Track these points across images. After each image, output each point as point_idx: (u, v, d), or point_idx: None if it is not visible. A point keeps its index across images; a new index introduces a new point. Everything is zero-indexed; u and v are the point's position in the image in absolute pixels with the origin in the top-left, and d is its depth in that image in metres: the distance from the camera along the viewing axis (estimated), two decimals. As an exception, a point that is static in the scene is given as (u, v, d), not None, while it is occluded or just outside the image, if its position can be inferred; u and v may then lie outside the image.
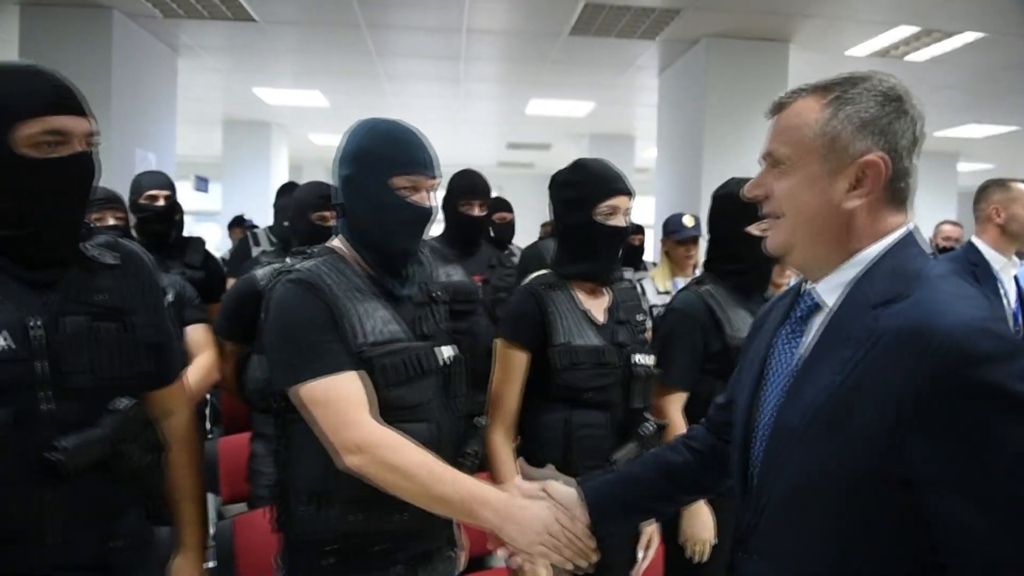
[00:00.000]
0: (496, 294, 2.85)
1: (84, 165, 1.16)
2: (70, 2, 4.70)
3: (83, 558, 1.17)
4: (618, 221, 1.78)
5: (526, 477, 1.37)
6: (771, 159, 1.04)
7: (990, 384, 0.81)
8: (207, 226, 11.37)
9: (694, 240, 3.42)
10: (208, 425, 3.49)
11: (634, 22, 4.87)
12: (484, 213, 2.84)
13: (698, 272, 3.43)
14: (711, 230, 2.16)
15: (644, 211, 4.84)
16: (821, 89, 1.00)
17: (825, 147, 0.98)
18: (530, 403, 1.77)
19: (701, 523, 1.92)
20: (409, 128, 1.43)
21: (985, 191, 2.92)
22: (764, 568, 1.00)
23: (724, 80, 5.16)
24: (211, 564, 1.62)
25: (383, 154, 1.38)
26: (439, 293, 1.52)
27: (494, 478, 1.72)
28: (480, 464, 1.44)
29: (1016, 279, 2.88)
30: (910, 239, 0.99)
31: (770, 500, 0.99)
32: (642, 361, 1.81)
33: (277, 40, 5.58)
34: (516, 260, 3.29)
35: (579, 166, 1.83)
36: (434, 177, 1.42)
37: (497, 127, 9.02)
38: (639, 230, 4.32)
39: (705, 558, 1.94)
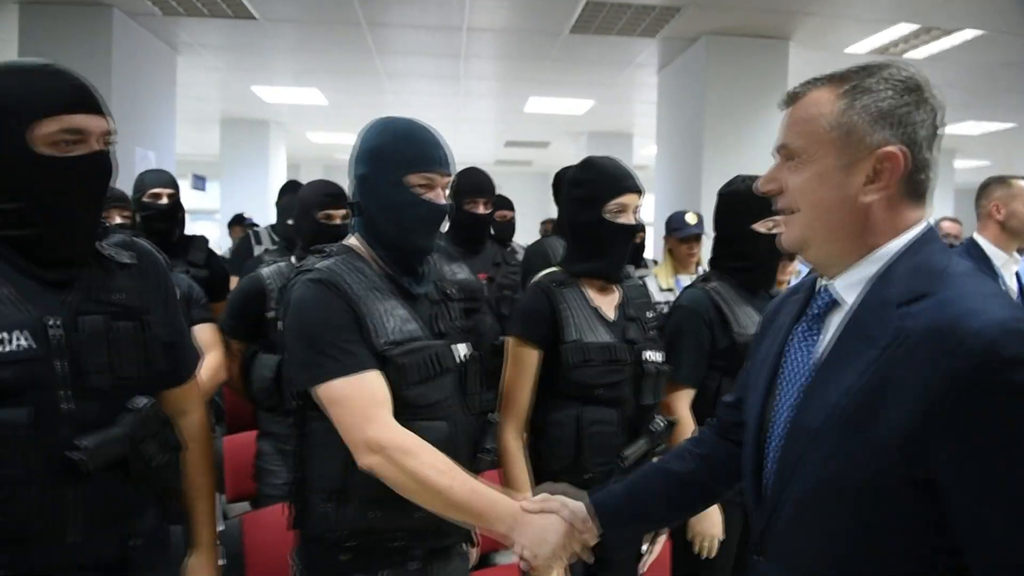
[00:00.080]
0: (501, 292, 2.85)
1: (101, 164, 1.16)
2: (70, 0, 4.68)
3: (103, 557, 1.18)
4: (627, 219, 1.79)
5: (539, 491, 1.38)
6: (784, 152, 1.01)
7: (1022, 386, 0.79)
8: (204, 224, 11.35)
9: (697, 238, 3.43)
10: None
11: (635, 20, 4.87)
12: (489, 211, 2.85)
13: (701, 270, 3.45)
14: (717, 228, 2.17)
15: (644, 208, 4.85)
16: (836, 79, 0.97)
17: (841, 139, 0.95)
18: (541, 400, 1.78)
19: (709, 519, 1.93)
20: (424, 126, 1.44)
21: (986, 188, 2.93)
22: (778, 570, 0.99)
23: (724, 78, 5.17)
24: (221, 562, 1.63)
25: (398, 152, 1.39)
26: (453, 291, 1.53)
27: (506, 475, 1.74)
28: (493, 461, 1.45)
29: (1017, 275, 2.90)
30: (931, 234, 0.97)
31: (785, 502, 0.97)
32: (652, 358, 1.82)
33: (277, 38, 5.57)
34: (519, 258, 3.29)
35: (589, 164, 1.84)
36: (449, 175, 1.42)
37: (496, 125, 9.03)
38: (639, 228, 4.32)
39: (713, 554, 1.95)
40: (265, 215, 7.89)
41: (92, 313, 1.17)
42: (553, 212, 10.99)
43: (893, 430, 0.85)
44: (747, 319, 2.01)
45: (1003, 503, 0.81)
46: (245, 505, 2.76)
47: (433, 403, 1.36)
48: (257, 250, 3.97)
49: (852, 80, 0.96)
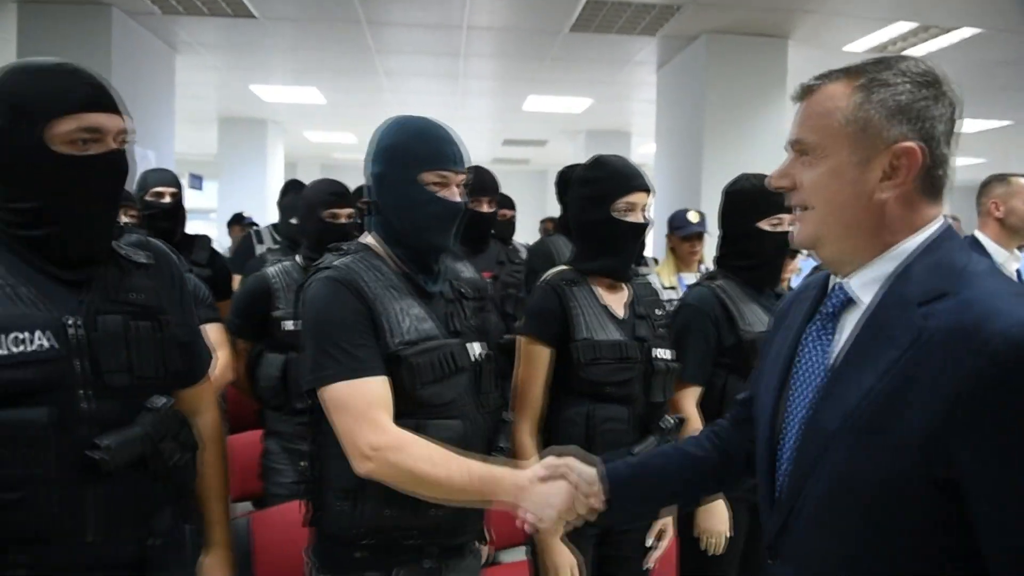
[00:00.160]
0: (505, 290, 2.86)
1: (118, 162, 1.16)
2: (69, -1, 4.69)
3: (122, 556, 1.18)
4: (637, 217, 1.80)
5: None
6: (798, 147, 0.99)
7: None
8: (199, 224, 11.34)
9: (699, 236, 3.44)
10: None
11: (635, 18, 4.88)
12: (493, 210, 2.86)
13: (703, 268, 3.47)
14: (722, 226, 2.17)
15: (645, 207, 4.86)
16: (852, 72, 0.95)
17: (856, 134, 0.93)
18: (552, 398, 1.79)
19: (716, 516, 1.94)
20: (438, 124, 1.44)
21: (987, 186, 2.95)
22: (793, 573, 0.98)
23: (724, 76, 5.18)
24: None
25: (413, 150, 1.39)
26: (467, 290, 1.53)
27: None
28: (507, 460, 1.45)
29: (1019, 272, 2.91)
30: (949, 232, 0.95)
31: (801, 503, 0.96)
32: (662, 355, 1.83)
33: (276, 37, 5.56)
34: (522, 257, 3.30)
35: (598, 162, 1.85)
36: (463, 172, 1.43)
37: (494, 124, 9.03)
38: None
39: (720, 551, 1.96)
40: (263, 214, 7.89)
41: (110, 313, 1.17)
42: (551, 211, 10.98)
43: (915, 431, 0.84)
44: (753, 317, 2.02)
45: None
46: (247, 505, 2.77)
47: (448, 402, 1.37)
48: (259, 249, 3.97)
49: (868, 73, 0.94)
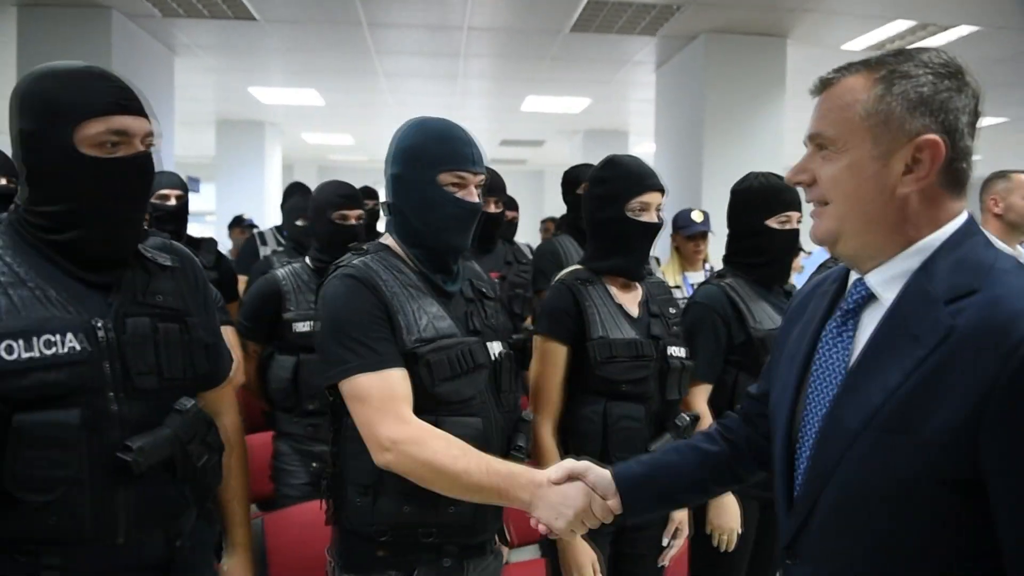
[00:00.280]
0: (513, 291, 2.87)
1: (145, 165, 1.17)
2: (68, 2, 4.66)
3: (150, 558, 1.18)
4: (650, 217, 1.81)
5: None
6: (816, 141, 0.97)
7: None
8: (197, 226, 11.33)
9: (703, 235, 3.46)
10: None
11: (635, 18, 4.90)
12: (500, 210, 2.87)
13: (707, 267, 3.48)
14: (731, 224, 2.19)
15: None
16: (871, 65, 0.93)
17: (877, 127, 0.91)
18: (568, 396, 1.80)
19: (728, 512, 1.95)
20: (456, 125, 1.45)
21: (989, 182, 2.96)
22: (812, 573, 0.97)
23: (723, 75, 5.19)
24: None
25: (430, 151, 1.40)
26: (488, 289, 1.54)
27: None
28: (526, 458, 1.45)
29: (1022, 268, 2.92)
30: (972, 227, 0.93)
31: (821, 503, 0.94)
32: (677, 353, 1.85)
33: (276, 39, 5.56)
34: (528, 257, 3.31)
35: (612, 162, 1.86)
36: (481, 173, 1.44)
37: (492, 124, 9.04)
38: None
39: (731, 547, 1.97)
40: (261, 216, 7.88)
41: (138, 315, 1.18)
42: (548, 211, 10.96)
43: (940, 430, 0.83)
44: (763, 314, 2.03)
45: None
46: (252, 507, 2.76)
47: (466, 399, 1.37)
48: (263, 251, 3.98)
49: (889, 65, 0.92)
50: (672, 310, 1.92)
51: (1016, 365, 0.79)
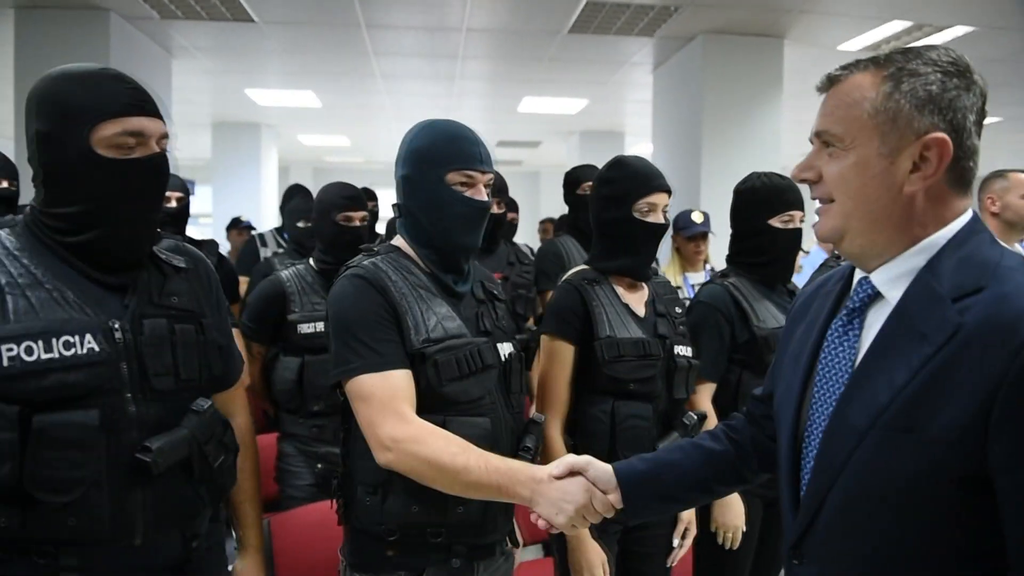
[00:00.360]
0: (516, 291, 2.88)
1: (160, 166, 1.18)
2: (66, 4, 4.65)
3: (167, 558, 1.19)
4: (657, 218, 1.82)
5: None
6: (822, 139, 0.97)
7: None
8: (192, 229, 11.29)
9: (703, 235, 3.47)
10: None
11: (633, 19, 4.91)
12: (502, 211, 2.87)
13: (708, 267, 3.50)
14: (733, 224, 2.19)
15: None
16: (879, 62, 0.93)
17: (885, 125, 0.91)
18: (575, 396, 1.81)
19: (732, 510, 1.96)
20: (464, 126, 1.46)
21: (987, 182, 2.98)
22: (818, 573, 0.97)
23: (721, 76, 5.21)
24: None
25: (438, 151, 1.41)
26: (499, 291, 1.55)
27: None
28: (532, 459, 1.46)
29: None
30: (977, 225, 0.93)
31: (828, 502, 0.94)
32: (683, 352, 1.85)
33: (274, 40, 5.56)
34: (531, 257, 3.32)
35: (619, 163, 1.86)
36: (489, 172, 1.44)
37: (488, 125, 9.04)
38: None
39: (736, 545, 1.98)
40: (258, 218, 7.87)
41: (154, 316, 1.19)
42: (545, 212, 10.91)
43: (948, 428, 0.83)
44: (766, 313, 2.05)
45: None
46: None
47: (475, 399, 1.38)
48: (263, 253, 3.98)
49: (897, 63, 0.91)
50: (678, 310, 1.92)
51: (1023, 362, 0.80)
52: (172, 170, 1.24)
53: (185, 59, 5.97)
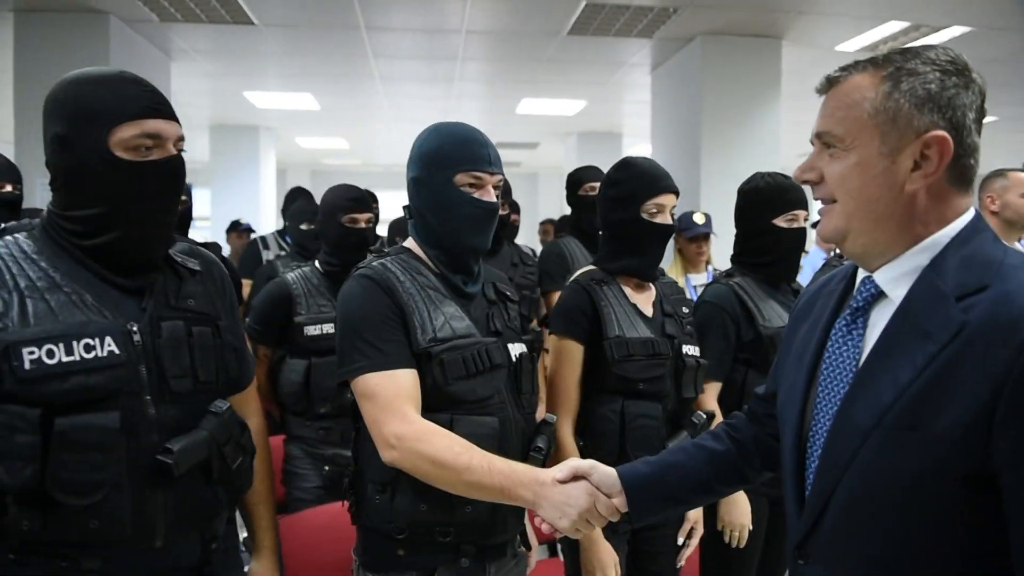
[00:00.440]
0: (519, 292, 2.88)
1: (177, 168, 1.19)
2: (65, 8, 4.65)
3: (187, 561, 1.19)
4: (665, 219, 1.83)
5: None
6: (823, 140, 0.97)
7: None
8: (189, 232, 11.26)
9: (705, 236, 3.49)
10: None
11: (632, 21, 4.92)
12: (506, 212, 2.88)
13: (710, 268, 3.51)
14: (738, 224, 2.21)
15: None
16: (877, 63, 0.93)
17: (885, 124, 0.91)
18: (584, 396, 1.82)
19: (738, 508, 1.97)
20: (472, 128, 1.47)
21: (987, 181, 3.00)
22: (823, 573, 0.97)
23: (719, 77, 5.23)
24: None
25: (446, 153, 1.42)
26: (511, 292, 1.56)
27: None
28: (544, 460, 1.46)
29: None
30: (980, 223, 0.93)
31: (833, 501, 0.94)
32: (691, 352, 1.87)
33: (273, 43, 5.56)
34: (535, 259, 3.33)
35: (627, 164, 1.88)
36: (497, 173, 1.46)
37: (487, 127, 8.88)
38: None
39: (743, 543, 1.99)
40: (257, 221, 7.87)
41: (171, 319, 1.19)
42: (543, 213, 10.89)
43: (952, 426, 0.84)
44: (772, 312, 2.06)
45: None
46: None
47: (482, 399, 1.39)
48: (265, 255, 3.99)
49: (895, 63, 0.92)
50: (685, 310, 1.94)
51: None
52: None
53: (184, 62, 5.97)
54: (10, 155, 2.96)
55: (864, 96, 0.92)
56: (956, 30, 5.03)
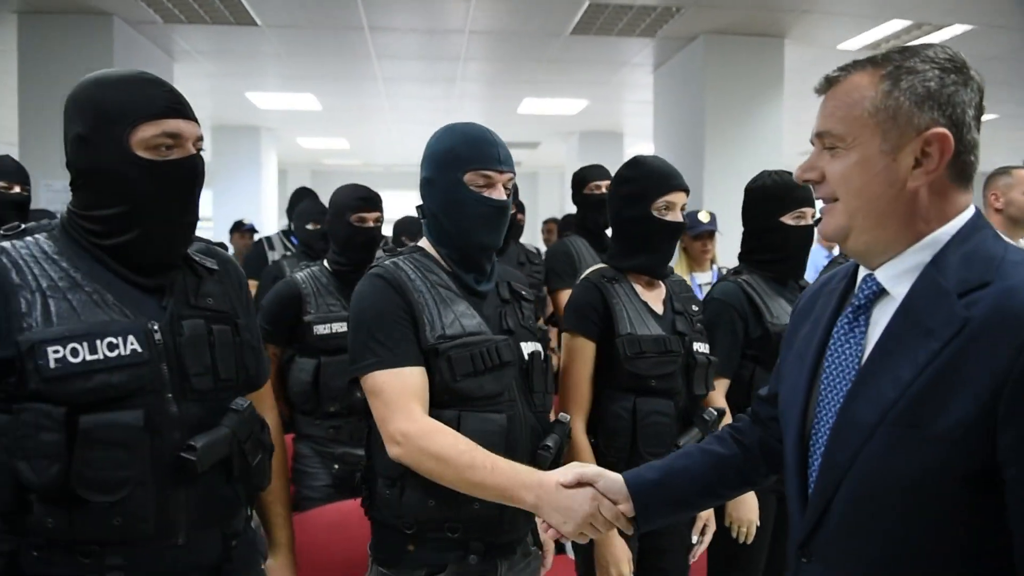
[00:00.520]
0: (526, 291, 2.89)
1: (197, 168, 1.19)
2: (70, 9, 4.66)
3: (208, 558, 1.20)
4: (675, 216, 1.84)
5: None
6: (824, 139, 0.97)
7: None
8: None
9: (710, 235, 3.50)
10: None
11: (635, 20, 4.94)
12: (513, 211, 2.88)
13: (715, 267, 3.52)
14: (745, 222, 2.22)
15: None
16: (876, 62, 0.94)
17: (885, 122, 0.91)
18: (596, 393, 1.83)
19: (746, 505, 1.97)
20: (483, 127, 1.49)
21: (991, 178, 3.01)
22: (826, 572, 0.97)
23: (721, 76, 5.24)
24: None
25: (457, 152, 1.44)
26: (525, 291, 1.57)
27: None
28: (555, 459, 1.45)
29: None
30: (980, 220, 0.94)
31: (836, 499, 0.94)
32: (701, 349, 1.88)
33: (276, 44, 5.57)
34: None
35: (637, 162, 1.89)
36: (507, 172, 1.46)
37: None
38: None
39: (750, 540, 2.00)
40: (258, 221, 7.87)
41: (191, 318, 1.20)
42: (543, 212, 10.90)
43: (955, 423, 0.84)
44: (779, 310, 2.07)
45: None
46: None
47: (491, 395, 1.39)
48: (271, 256, 4.00)
49: (894, 61, 0.92)
50: (694, 307, 1.95)
51: None
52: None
53: (187, 63, 5.99)
54: (14, 156, 2.97)
55: (864, 95, 0.93)
56: (957, 28, 5.04)
